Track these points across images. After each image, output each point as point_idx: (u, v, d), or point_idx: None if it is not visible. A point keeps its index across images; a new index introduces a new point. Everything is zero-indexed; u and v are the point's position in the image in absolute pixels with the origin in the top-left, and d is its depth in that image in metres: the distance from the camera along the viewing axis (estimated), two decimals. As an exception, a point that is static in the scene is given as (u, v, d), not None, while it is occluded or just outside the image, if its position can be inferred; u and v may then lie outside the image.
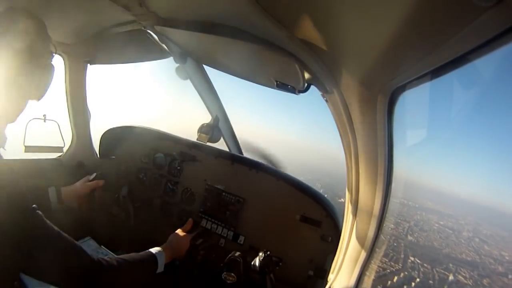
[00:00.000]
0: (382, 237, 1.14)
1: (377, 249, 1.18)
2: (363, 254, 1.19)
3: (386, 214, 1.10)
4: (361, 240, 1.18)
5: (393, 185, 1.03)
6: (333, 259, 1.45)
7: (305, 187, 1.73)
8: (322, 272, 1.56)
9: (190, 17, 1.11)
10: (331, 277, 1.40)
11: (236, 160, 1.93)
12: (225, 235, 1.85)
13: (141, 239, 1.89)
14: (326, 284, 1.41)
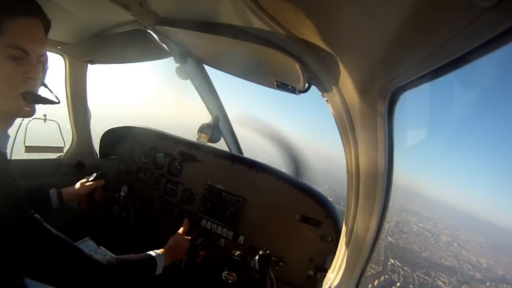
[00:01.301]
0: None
1: (377, 249, 1.18)
2: (363, 254, 1.20)
3: (387, 214, 1.11)
4: (361, 240, 1.18)
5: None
6: (333, 259, 1.45)
7: (305, 187, 1.72)
8: (322, 272, 1.56)
9: (190, 17, 1.11)
10: (331, 276, 1.40)
11: (236, 160, 1.93)
12: (225, 235, 1.85)
13: (140, 239, 1.89)
14: (326, 284, 1.41)
